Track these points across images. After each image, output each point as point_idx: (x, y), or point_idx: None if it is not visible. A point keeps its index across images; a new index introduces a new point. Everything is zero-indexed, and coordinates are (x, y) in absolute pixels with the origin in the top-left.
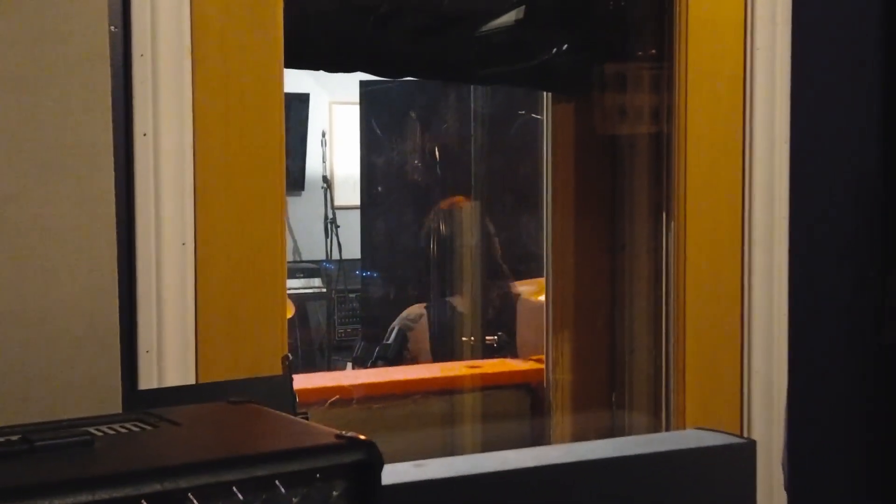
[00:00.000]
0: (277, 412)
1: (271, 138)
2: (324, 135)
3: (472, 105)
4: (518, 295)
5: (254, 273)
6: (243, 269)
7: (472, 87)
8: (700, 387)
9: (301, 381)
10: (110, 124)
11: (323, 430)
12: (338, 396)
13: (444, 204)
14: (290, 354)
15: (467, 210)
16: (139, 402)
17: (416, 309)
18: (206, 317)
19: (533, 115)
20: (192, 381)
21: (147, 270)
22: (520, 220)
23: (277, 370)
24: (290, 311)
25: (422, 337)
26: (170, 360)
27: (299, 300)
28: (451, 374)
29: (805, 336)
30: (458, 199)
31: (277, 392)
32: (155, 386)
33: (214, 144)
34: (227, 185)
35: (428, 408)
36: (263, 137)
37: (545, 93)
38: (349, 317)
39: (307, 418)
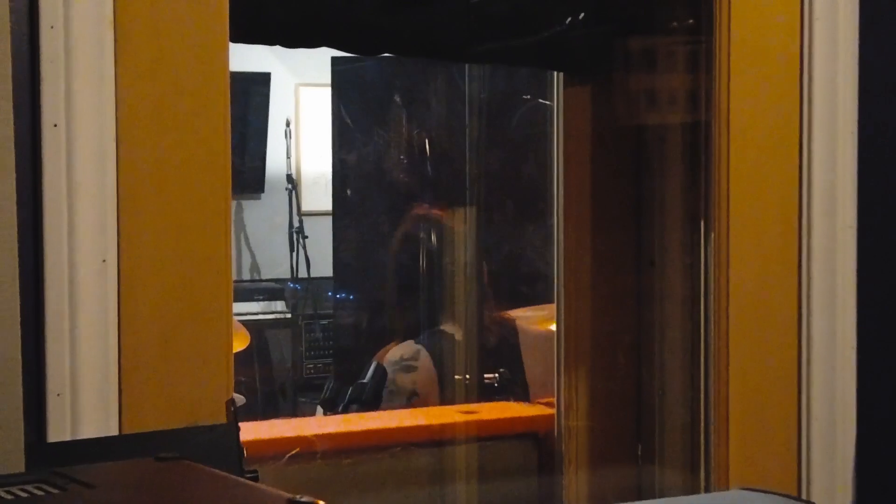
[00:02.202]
0: (216, 471)
1: (214, 130)
2: (288, 124)
3: (467, 89)
4: (514, 322)
5: (192, 296)
6: (179, 292)
7: (466, 66)
8: (747, 437)
9: (253, 431)
10: (11, 113)
11: (271, 494)
12: (298, 449)
13: (420, 209)
14: (240, 397)
15: (450, 222)
16: (47, 458)
17: (408, 347)
18: (131, 351)
19: (540, 101)
20: (113, 431)
21: (58, 293)
22: (523, 230)
23: (221, 417)
24: (244, 342)
25: (428, 379)
26: (86, 406)
27: (258, 328)
28: (440, 420)
29: (877, 374)
30: (435, 210)
31: (220, 445)
32: (67, 438)
33: (142, 138)
34: (158, 188)
35: (410, 463)
36: (204, 129)
37: (555, 74)
38: (319, 348)
39: (256, 478)
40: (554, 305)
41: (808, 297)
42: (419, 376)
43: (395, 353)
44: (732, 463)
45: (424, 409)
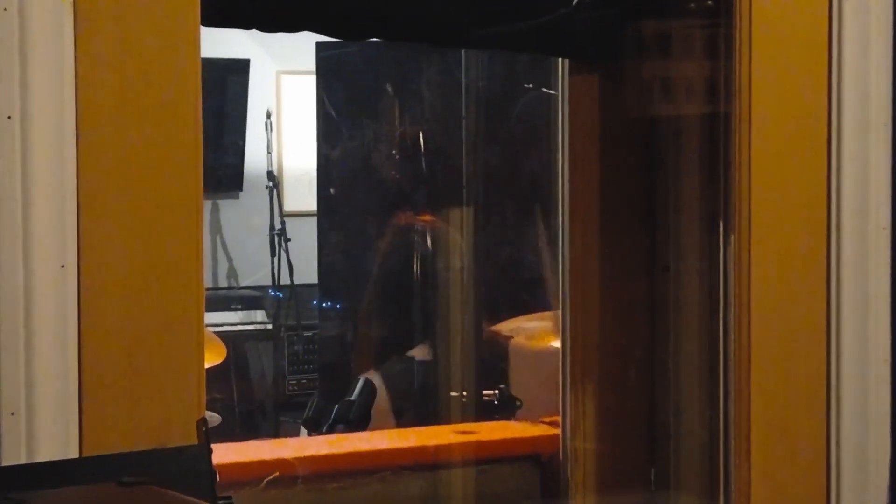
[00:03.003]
0: (185, 497)
1: (184, 122)
2: (269, 116)
3: (463, 78)
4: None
5: (160, 305)
6: (146, 300)
7: (462, 53)
8: (770, 459)
9: (229, 453)
10: None
11: None
12: (278, 473)
13: (400, 219)
14: (214, 416)
15: (444, 226)
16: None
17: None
18: (93, 365)
19: (544, 91)
20: (73, 453)
21: (11, 302)
22: (524, 233)
23: (192, 438)
24: (219, 356)
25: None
26: (43, 426)
27: (235, 340)
28: (435, 442)
29: None
30: (423, 217)
31: (190, 468)
32: (23, 461)
33: (105, 132)
34: (122, 187)
35: (402, 488)
36: (174, 122)
37: (560, 61)
38: (303, 362)
39: None
40: (552, 313)
41: (838, 305)
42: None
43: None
44: (755, 487)
45: (417, 429)
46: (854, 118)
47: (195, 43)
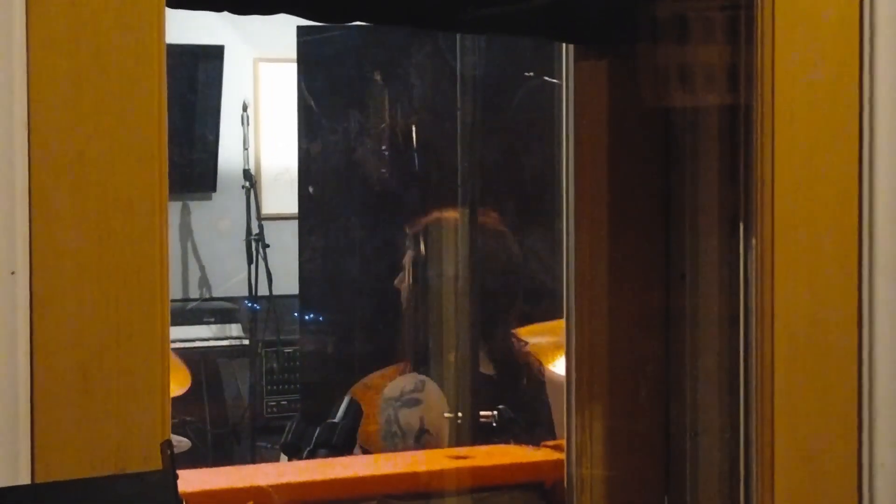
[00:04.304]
0: None
1: (146, 115)
2: (245, 108)
3: (458, 65)
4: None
5: (120, 316)
6: (104, 311)
7: (456, 37)
8: (797, 487)
9: (198, 480)
10: None
11: None
12: (252, 503)
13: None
14: (182, 440)
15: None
16: None
17: (409, 380)
18: (46, 382)
19: (546, 80)
20: (24, 479)
21: None
22: (525, 237)
23: (156, 463)
24: (183, 384)
25: (437, 418)
26: None
27: (208, 356)
28: (426, 467)
29: None
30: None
31: (153, 496)
32: None
33: (60, 126)
34: (78, 186)
35: None
36: (134, 115)
37: (564, 46)
38: (283, 382)
39: None
40: (562, 323)
41: (871, 315)
42: (419, 414)
43: (392, 385)
44: None
45: (407, 453)
46: (889, 109)
47: (159, 26)
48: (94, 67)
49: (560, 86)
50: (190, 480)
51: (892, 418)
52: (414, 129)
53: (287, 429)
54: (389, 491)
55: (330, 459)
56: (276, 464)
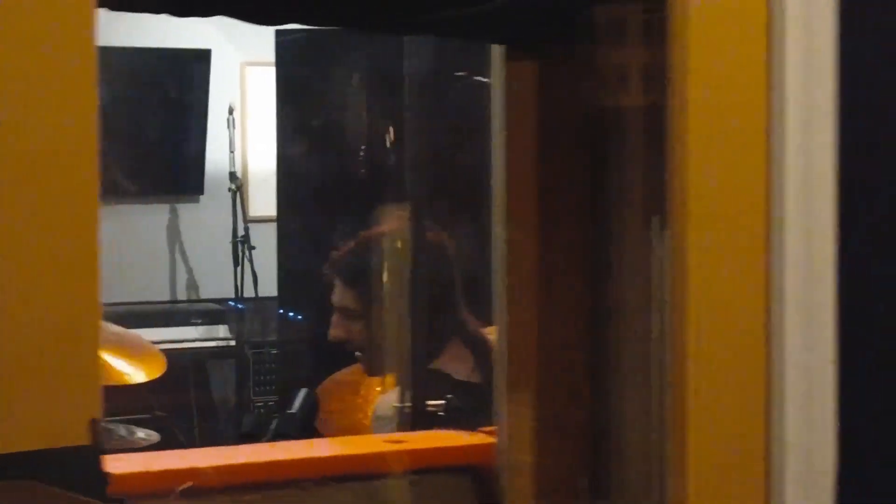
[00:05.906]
0: (70, 494)
1: (75, 117)
2: (231, 111)
3: (405, 65)
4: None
5: (52, 299)
6: (35, 294)
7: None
8: (709, 467)
9: (136, 463)
10: None
11: None
12: (191, 484)
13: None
14: (152, 433)
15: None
16: None
17: (396, 396)
18: None
19: (477, 79)
20: None
21: None
22: (456, 233)
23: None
24: (158, 369)
25: None
26: None
27: (195, 358)
28: (363, 451)
29: (859, 391)
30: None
31: (79, 469)
32: None
33: None
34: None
35: (325, 500)
36: (62, 116)
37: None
38: (270, 382)
39: None
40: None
41: (781, 304)
42: None
43: (385, 405)
44: (692, 498)
45: (344, 437)
46: (798, 107)
47: (89, 26)
48: (23, 64)
49: (489, 84)
50: (129, 462)
51: (800, 402)
52: (391, 128)
53: (270, 427)
54: (326, 473)
55: (269, 445)
56: (217, 448)
